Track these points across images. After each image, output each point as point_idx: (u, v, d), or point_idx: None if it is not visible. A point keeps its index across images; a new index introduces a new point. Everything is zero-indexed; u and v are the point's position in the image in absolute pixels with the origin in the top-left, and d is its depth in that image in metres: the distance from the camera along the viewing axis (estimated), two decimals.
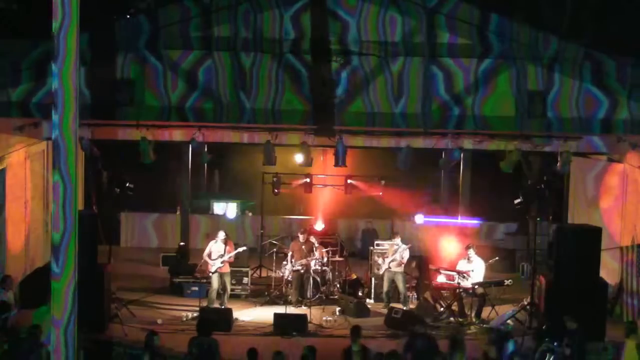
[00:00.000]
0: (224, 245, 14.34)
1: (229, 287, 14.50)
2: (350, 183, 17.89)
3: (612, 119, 12.22)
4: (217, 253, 14.32)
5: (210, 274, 14.29)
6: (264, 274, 17.00)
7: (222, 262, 14.24)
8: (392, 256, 15.02)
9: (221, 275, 14.30)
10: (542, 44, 12.18)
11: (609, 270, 14.52)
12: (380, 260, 15.27)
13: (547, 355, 10.26)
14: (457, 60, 12.29)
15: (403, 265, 15.02)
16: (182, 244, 18.45)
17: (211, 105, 12.43)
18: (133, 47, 12.28)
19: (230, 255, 14.37)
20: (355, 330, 10.50)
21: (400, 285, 14.92)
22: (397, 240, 15.21)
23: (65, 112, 7.37)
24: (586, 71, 12.15)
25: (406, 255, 15.04)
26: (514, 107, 12.30)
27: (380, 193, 17.84)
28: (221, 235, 14.44)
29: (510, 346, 10.38)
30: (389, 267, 14.98)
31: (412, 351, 10.45)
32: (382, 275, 15.17)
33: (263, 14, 12.23)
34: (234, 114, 12.50)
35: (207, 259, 14.36)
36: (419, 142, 14.71)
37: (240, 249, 14.68)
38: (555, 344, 10.31)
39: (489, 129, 13.15)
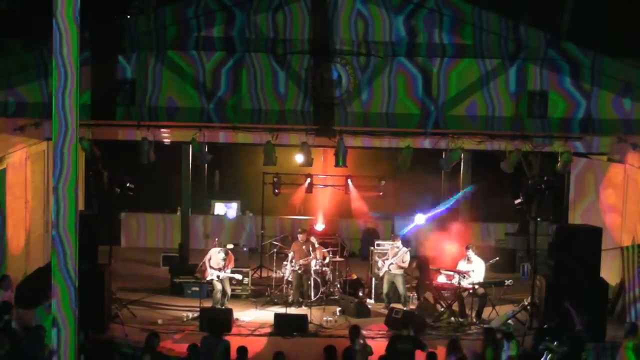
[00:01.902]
0: (224, 259, 14.30)
1: (229, 290, 14.47)
2: (350, 183, 17.88)
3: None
4: (215, 263, 14.29)
5: (208, 281, 14.33)
6: (264, 274, 16.99)
7: (217, 277, 14.22)
8: (392, 259, 14.99)
9: (221, 282, 14.28)
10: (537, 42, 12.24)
11: (609, 270, 14.51)
12: (380, 263, 15.24)
13: (546, 354, 10.25)
14: (455, 61, 12.31)
15: (404, 268, 14.98)
16: (180, 244, 18.42)
17: (212, 105, 12.43)
18: (134, 47, 12.28)
19: (226, 275, 14.32)
20: (354, 330, 10.50)
21: (401, 287, 14.89)
22: (398, 243, 15.18)
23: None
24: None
25: (407, 258, 15.01)
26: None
27: (381, 193, 17.83)
28: (222, 255, 14.37)
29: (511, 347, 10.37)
30: (389, 270, 14.96)
31: (393, 351, 10.41)
32: (382, 277, 15.15)
33: (262, 14, 12.24)
34: (234, 114, 12.51)
35: (207, 263, 14.36)
36: (419, 143, 14.74)
37: (236, 275, 14.65)
38: (555, 343, 10.30)
39: (487, 129, 13.19)
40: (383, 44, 12.28)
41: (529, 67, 12.29)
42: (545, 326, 11.06)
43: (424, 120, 12.53)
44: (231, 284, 14.76)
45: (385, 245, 15.86)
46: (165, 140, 15.46)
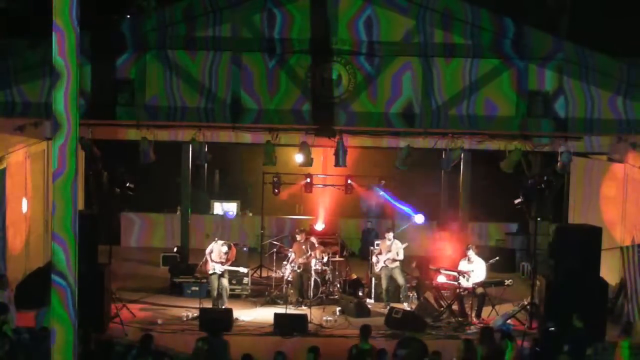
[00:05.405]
0: (226, 252, 14.30)
1: (226, 284, 14.45)
2: (350, 183, 17.90)
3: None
4: (217, 256, 14.30)
5: (209, 274, 14.33)
6: (264, 274, 17.00)
7: (220, 270, 14.24)
8: (386, 253, 15.02)
9: (219, 276, 14.28)
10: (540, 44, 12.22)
11: (609, 270, 14.51)
12: (375, 259, 15.27)
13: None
14: (455, 60, 12.31)
15: (398, 261, 15.00)
16: (178, 246, 18.41)
17: (212, 105, 12.43)
18: (134, 46, 12.27)
19: (228, 267, 14.34)
20: (365, 329, 10.51)
21: (400, 279, 14.92)
22: (390, 235, 15.21)
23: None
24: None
25: (400, 250, 15.02)
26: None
27: (381, 193, 17.85)
28: (224, 248, 14.39)
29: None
30: (385, 265, 14.98)
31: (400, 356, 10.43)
32: (380, 273, 15.17)
33: (262, 13, 12.23)
34: (234, 114, 12.50)
35: (208, 257, 14.37)
36: (419, 142, 14.74)
37: (240, 269, 14.67)
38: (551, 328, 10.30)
39: (487, 129, 13.18)
40: (383, 43, 12.26)
41: (530, 66, 12.27)
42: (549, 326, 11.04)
43: (424, 120, 12.52)
44: (231, 283, 14.76)
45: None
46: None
